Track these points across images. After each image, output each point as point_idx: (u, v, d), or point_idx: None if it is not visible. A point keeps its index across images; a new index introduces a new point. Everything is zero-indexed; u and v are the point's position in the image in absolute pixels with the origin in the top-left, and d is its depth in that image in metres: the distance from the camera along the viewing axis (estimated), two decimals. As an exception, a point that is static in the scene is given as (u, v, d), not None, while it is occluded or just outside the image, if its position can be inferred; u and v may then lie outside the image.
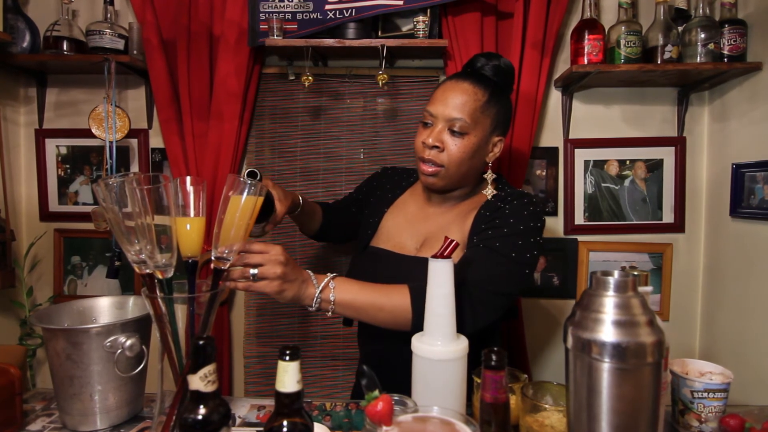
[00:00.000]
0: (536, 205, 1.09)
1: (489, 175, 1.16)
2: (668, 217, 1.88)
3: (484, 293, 1.00)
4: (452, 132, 1.08)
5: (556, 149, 1.89)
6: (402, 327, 0.98)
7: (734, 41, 1.60)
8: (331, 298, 0.96)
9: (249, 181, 0.83)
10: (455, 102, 1.08)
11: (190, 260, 0.82)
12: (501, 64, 1.15)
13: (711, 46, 1.61)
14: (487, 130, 1.11)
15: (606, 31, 1.70)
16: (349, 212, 1.39)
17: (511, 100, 1.19)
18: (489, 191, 1.15)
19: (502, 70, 1.15)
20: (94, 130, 1.75)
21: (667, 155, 1.87)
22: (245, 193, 0.83)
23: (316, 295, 0.95)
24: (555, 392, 0.88)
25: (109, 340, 0.91)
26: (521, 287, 1.06)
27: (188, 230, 0.80)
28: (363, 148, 1.91)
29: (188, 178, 0.81)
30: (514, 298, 1.06)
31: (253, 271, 0.90)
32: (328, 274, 0.99)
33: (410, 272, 1.06)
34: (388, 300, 0.98)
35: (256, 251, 0.91)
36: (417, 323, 0.91)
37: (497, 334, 1.20)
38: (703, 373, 0.93)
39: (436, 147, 1.09)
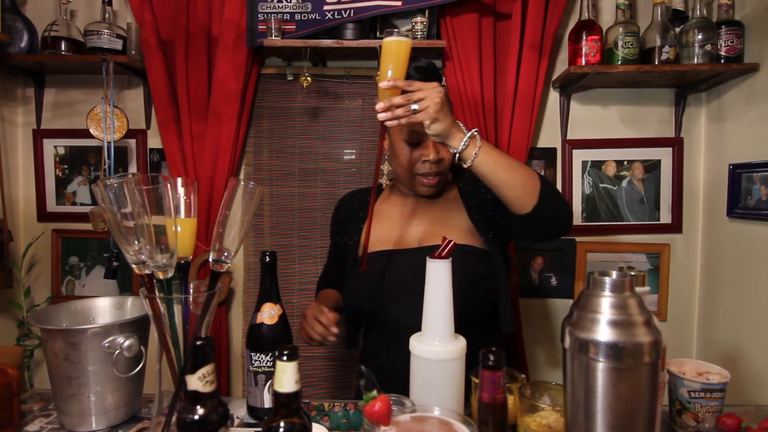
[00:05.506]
0: None
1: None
2: (666, 217, 1.89)
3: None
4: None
5: (554, 150, 1.90)
6: (529, 193, 1.00)
7: (731, 42, 1.61)
8: (478, 144, 0.99)
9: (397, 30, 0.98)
10: None
11: (182, 261, 0.82)
12: (422, 63, 1.19)
13: (708, 47, 1.61)
14: None
15: (604, 32, 1.70)
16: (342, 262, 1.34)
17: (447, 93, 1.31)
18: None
19: (425, 69, 1.18)
20: (92, 131, 1.75)
21: (664, 156, 1.88)
22: (405, 37, 0.94)
23: (466, 137, 0.98)
24: (552, 392, 0.88)
25: (108, 340, 0.91)
26: None
27: (179, 231, 0.79)
28: (362, 148, 1.91)
29: (179, 179, 0.80)
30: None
31: (414, 106, 0.94)
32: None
33: (420, 263, 1.06)
34: (521, 166, 1.02)
35: (416, 88, 0.95)
36: (544, 194, 0.99)
37: (496, 334, 1.19)
38: (700, 373, 0.93)
39: (440, 160, 1.13)
